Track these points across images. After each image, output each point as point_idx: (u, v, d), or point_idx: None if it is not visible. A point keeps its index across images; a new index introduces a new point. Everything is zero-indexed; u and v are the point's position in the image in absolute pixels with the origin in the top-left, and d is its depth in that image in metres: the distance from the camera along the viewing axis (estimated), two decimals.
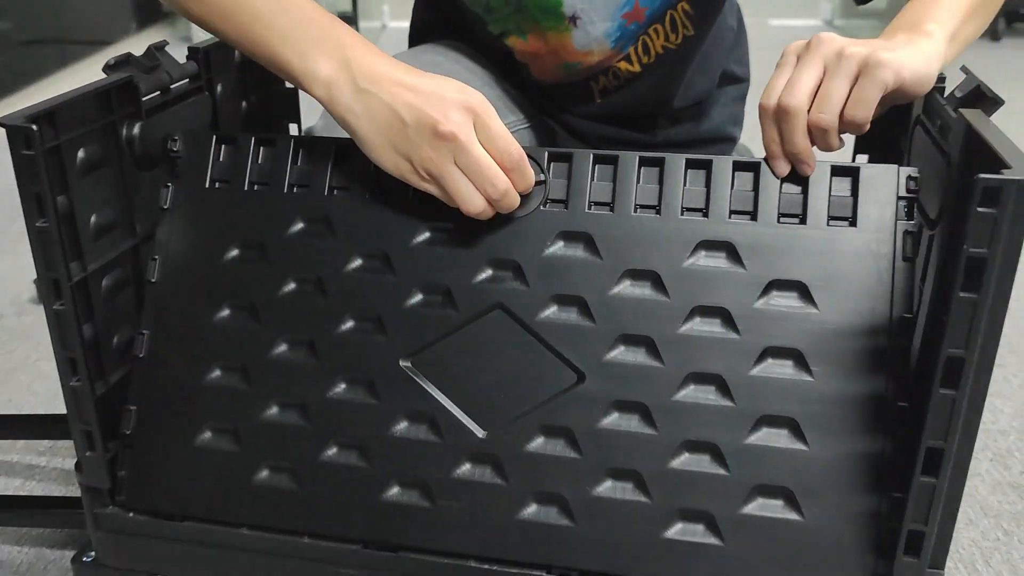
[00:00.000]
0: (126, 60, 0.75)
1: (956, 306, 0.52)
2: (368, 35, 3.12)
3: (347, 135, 0.65)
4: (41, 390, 1.26)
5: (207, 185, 0.70)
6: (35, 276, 0.66)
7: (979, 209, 0.50)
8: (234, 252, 0.68)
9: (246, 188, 0.69)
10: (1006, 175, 0.50)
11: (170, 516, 0.70)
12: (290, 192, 0.68)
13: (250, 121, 0.92)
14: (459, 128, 0.59)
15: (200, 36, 0.86)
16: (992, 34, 3.40)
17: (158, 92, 0.77)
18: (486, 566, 0.64)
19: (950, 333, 0.52)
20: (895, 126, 0.75)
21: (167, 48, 0.80)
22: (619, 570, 0.62)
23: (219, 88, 0.87)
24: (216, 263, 0.68)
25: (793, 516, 0.60)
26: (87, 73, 2.84)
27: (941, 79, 0.71)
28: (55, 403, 1.22)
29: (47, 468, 1.11)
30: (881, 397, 0.59)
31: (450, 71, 0.86)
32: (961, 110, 0.61)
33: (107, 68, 0.73)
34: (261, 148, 0.70)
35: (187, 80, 0.82)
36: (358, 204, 0.67)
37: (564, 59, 0.87)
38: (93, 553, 0.76)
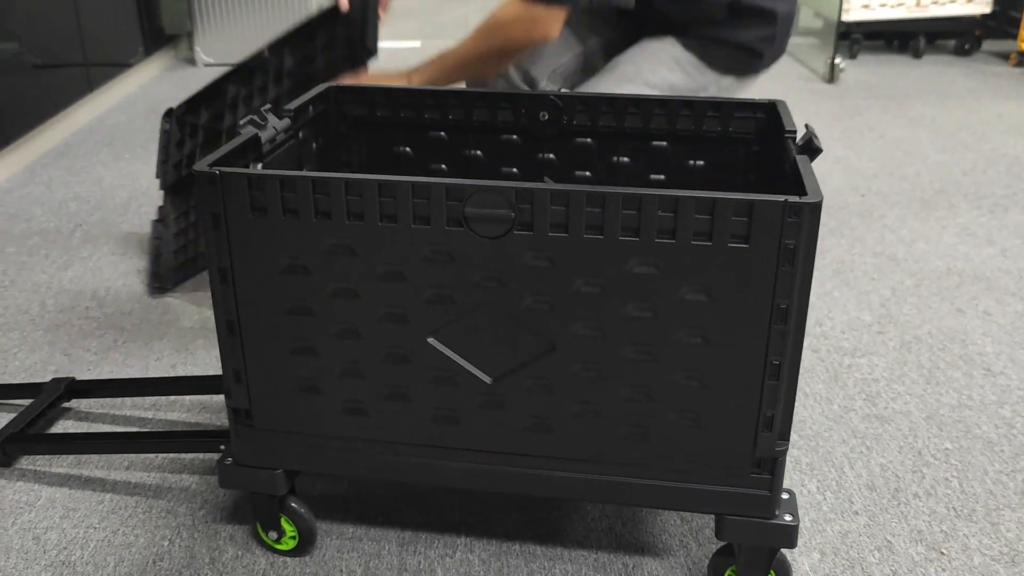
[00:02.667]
0: (249, 121, 1.10)
1: (781, 277, 0.89)
2: None
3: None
4: (135, 364, 1.60)
5: (250, 214, 0.96)
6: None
7: (788, 220, 0.87)
8: (285, 264, 0.97)
9: (283, 216, 0.95)
10: (804, 199, 0.87)
11: (285, 430, 1.06)
12: (318, 220, 0.95)
13: (320, 155, 1.28)
14: None
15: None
16: (914, 52, 3.81)
17: (270, 141, 1.12)
18: (496, 461, 1.00)
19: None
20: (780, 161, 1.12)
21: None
22: (585, 456, 0.99)
23: (300, 135, 1.22)
24: (272, 275, 0.98)
25: (701, 424, 0.97)
26: (114, 93, 3.14)
27: (792, 130, 1.08)
28: (147, 373, 1.57)
29: (154, 419, 1.45)
30: (762, 355, 0.93)
31: None
32: (796, 156, 0.98)
33: (240, 127, 1.08)
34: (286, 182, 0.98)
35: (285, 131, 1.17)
36: (371, 231, 0.95)
37: None
38: (231, 458, 1.11)
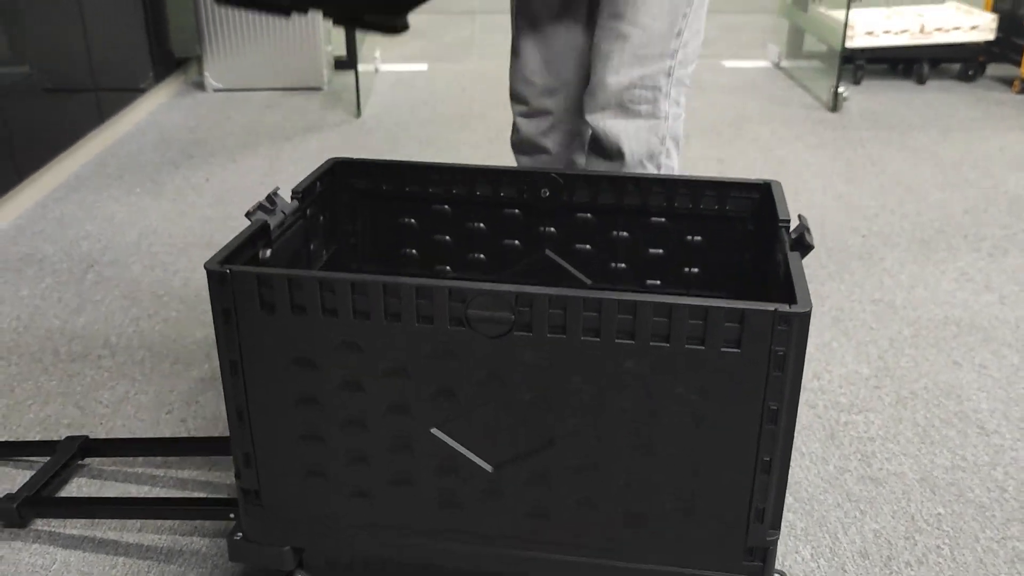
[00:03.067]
0: (259, 207, 1.13)
1: (771, 382, 0.92)
2: (363, 78, 3.51)
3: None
4: (147, 417, 1.64)
5: (259, 310, 1.00)
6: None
7: (778, 327, 0.90)
8: (292, 358, 1.01)
9: (291, 313, 0.99)
10: (793, 308, 0.90)
11: (293, 511, 1.09)
12: (325, 317, 0.99)
13: (327, 228, 1.31)
14: None
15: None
16: (918, 77, 3.83)
17: (279, 226, 1.16)
18: (497, 544, 1.04)
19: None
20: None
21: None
22: (582, 543, 1.02)
23: (308, 212, 1.26)
24: (280, 368, 1.02)
25: (694, 514, 1.00)
26: (124, 121, 3.18)
27: (786, 220, 1.11)
28: (157, 430, 1.61)
29: (166, 477, 1.49)
30: (753, 452, 0.96)
31: None
32: (789, 254, 1.01)
33: (248, 215, 1.12)
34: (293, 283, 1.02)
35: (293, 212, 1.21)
36: (376, 328, 0.98)
37: None
38: (241, 533, 1.14)
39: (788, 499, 1.43)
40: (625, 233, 1.31)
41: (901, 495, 1.44)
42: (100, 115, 3.04)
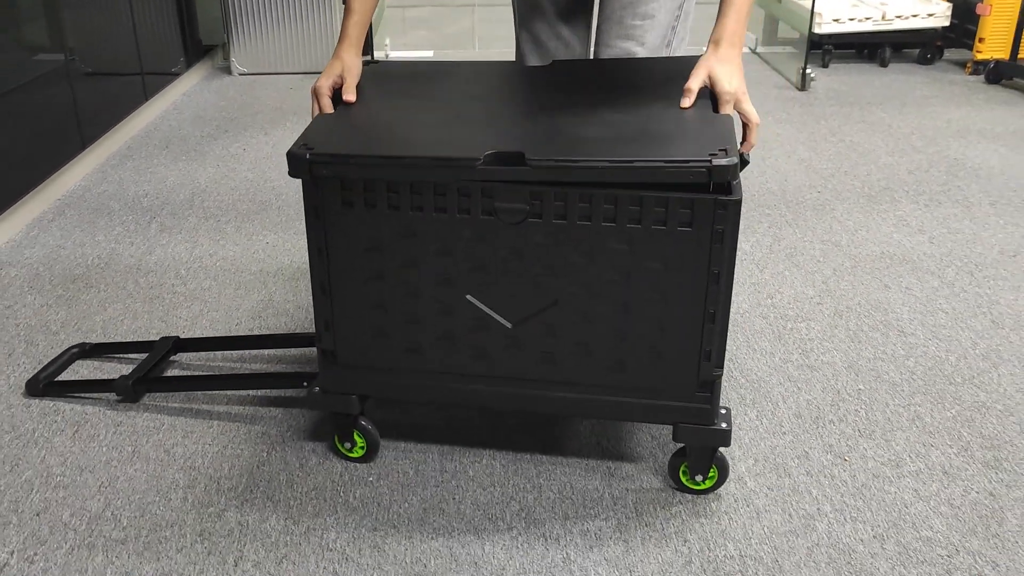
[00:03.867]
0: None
1: (714, 252, 1.29)
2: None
3: None
4: (221, 329, 2.00)
5: (340, 206, 1.38)
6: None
7: (718, 211, 1.26)
8: (365, 244, 1.39)
9: (365, 209, 1.38)
10: (728, 198, 1.26)
11: (361, 365, 1.46)
12: (390, 211, 1.38)
13: None
14: None
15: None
16: (881, 61, 4.20)
17: None
18: (516, 385, 1.41)
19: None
20: None
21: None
22: (580, 381, 1.39)
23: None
24: (356, 252, 1.40)
25: (661, 357, 1.37)
26: (164, 100, 3.53)
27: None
28: (230, 334, 1.97)
29: (243, 368, 1.85)
30: (702, 307, 1.33)
31: None
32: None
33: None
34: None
35: None
36: (428, 219, 1.35)
37: None
38: (318, 387, 1.50)
39: (740, 379, 1.80)
40: None
41: (831, 376, 1.81)
42: (145, 95, 3.39)
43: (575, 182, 1.28)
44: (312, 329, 1.93)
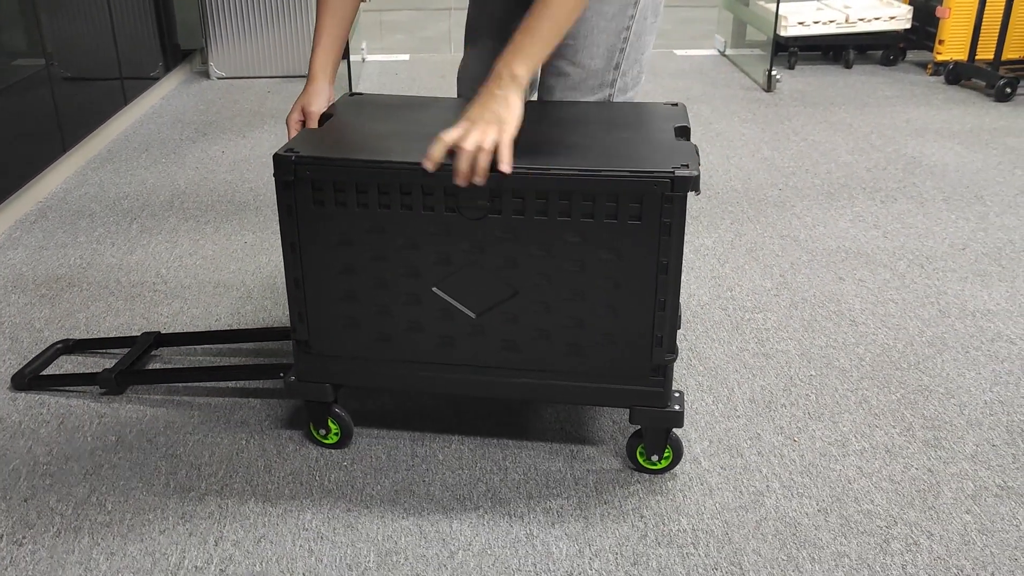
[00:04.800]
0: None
1: (662, 244, 1.38)
2: (352, 67, 3.94)
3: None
4: (201, 325, 2.07)
5: (312, 206, 1.50)
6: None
7: (665, 205, 1.35)
8: (336, 239, 1.49)
9: (336, 207, 1.49)
10: (675, 192, 1.35)
11: (333, 354, 1.54)
12: (359, 209, 1.49)
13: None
14: None
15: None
16: (845, 63, 4.32)
17: None
18: (480, 372, 1.49)
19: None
20: None
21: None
22: (539, 367, 1.47)
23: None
24: (327, 247, 1.49)
25: (616, 343, 1.45)
26: (143, 105, 3.59)
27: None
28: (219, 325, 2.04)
29: (222, 361, 1.93)
30: (652, 295, 1.42)
31: None
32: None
33: None
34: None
35: None
36: (395, 215, 1.48)
37: None
38: (293, 376, 1.58)
39: (699, 367, 1.89)
40: None
41: (784, 364, 1.90)
42: (124, 99, 3.45)
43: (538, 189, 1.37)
44: (287, 324, 2.01)
